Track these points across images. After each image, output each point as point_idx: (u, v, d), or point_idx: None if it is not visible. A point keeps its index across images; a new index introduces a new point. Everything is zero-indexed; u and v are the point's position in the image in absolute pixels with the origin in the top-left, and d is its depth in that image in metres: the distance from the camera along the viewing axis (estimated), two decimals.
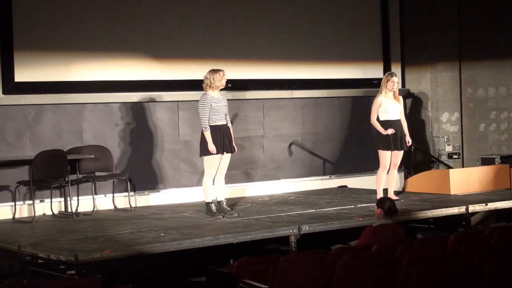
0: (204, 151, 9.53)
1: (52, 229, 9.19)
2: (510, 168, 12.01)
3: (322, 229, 8.98)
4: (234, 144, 9.74)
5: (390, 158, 10.60)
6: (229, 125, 9.72)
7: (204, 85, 9.61)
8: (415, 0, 13.97)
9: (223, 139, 9.57)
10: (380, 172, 10.66)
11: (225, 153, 9.61)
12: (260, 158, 12.25)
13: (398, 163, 10.74)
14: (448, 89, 13.91)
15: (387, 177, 10.70)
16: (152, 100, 11.34)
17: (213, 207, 9.64)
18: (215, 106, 9.51)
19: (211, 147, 9.43)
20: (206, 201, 9.68)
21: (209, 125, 9.47)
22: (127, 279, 6.50)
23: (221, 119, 9.57)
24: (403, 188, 12.28)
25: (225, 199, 9.87)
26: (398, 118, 10.65)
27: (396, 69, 13.69)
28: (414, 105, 14.06)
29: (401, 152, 10.69)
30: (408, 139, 10.71)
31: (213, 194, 9.76)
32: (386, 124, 10.56)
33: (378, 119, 10.58)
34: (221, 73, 9.59)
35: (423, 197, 10.99)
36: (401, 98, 10.79)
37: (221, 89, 9.70)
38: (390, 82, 10.56)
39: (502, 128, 14.03)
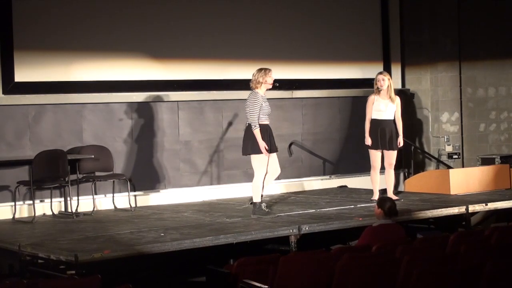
0: (254, 149, 9.46)
1: (52, 229, 9.19)
2: (510, 168, 12.02)
3: (322, 229, 8.98)
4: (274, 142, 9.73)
5: (379, 158, 10.66)
6: (268, 124, 9.69)
7: (252, 84, 9.60)
8: (415, 0, 13.97)
9: (269, 138, 9.56)
10: (371, 171, 10.74)
11: (272, 152, 9.59)
12: None
13: (393, 162, 10.71)
14: (448, 89, 13.91)
15: (383, 177, 10.73)
16: (153, 100, 11.33)
17: (264, 206, 9.60)
18: (264, 105, 9.52)
19: (263, 144, 9.40)
20: (256, 200, 9.58)
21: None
22: (127, 279, 6.50)
23: (267, 119, 9.59)
24: (397, 187, 12.30)
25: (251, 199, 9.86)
26: (390, 118, 10.62)
27: (396, 69, 13.70)
28: (414, 105, 14.06)
29: (393, 152, 10.66)
30: (400, 141, 10.64)
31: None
32: (375, 123, 10.59)
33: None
34: (269, 72, 9.58)
35: (423, 197, 10.99)
36: (397, 98, 10.69)
37: (268, 89, 9.70)
38: (377, 80, 10.59)
39: (502, 128, 14.03)
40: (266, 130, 9.53)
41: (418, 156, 13.82)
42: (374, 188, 10.75)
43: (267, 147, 9.42)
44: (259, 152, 9.43)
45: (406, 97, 13.94)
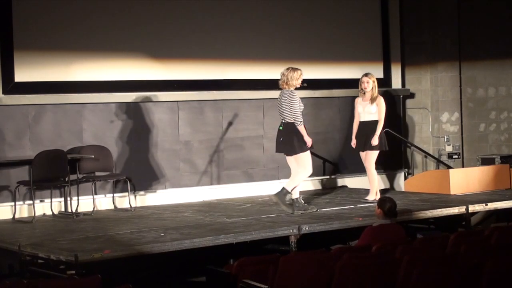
0: (303, 147, 9.59)
1: (52, 229, 9.19)
2: (510, 168, 12.02)
3: (322, 229, 8.98)
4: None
5: (363, 159, 10.77)
6: None
7: (282, 83, 9.71)
8: (415, 0, 13.97)
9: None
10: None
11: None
12: (260, 158, 12.25)
13: (366, 164, 10.69)
14: (448, 89, 13.91)
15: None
16: (152, 100, 11.33)
17: (302, 200, 9.83)
18: (300, 103, 9.68)
19: (308, 139, 9.55)
20: (295, 197, 9.75)
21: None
22: (127, 279, 6.50)
23: (302, 116, 9.71)
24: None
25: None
26: (369, 120, 10.59)
27: (396, 69, 13.69)
28: (414, 105, 14.06)
29: (368, 153, 10.61)
30: (372, 142, 10.51)
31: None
32: (359, 125, 10.72)
33: None
34: (299, 72, 9.73)
35: (423, 197, 10.99)
36: (378, 99, 10.57)
37: (297, 88, 9.80)
38: (361, 82, 10.64)
39: (502, 128, 14.03)
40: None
41: (418, 156, 13.83)
42: (372, 189, 10.79)
43: (311, 142, 9.61)
44: (306, 149, 9.60)
45: (406, 97, 13.96)
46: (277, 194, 9.68)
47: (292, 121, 9.57)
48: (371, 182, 10.75)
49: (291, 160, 9.81)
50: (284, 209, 9.66)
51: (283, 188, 9.67)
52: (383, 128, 10.71)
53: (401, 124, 13.71)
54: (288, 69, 9.73)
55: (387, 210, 7.71)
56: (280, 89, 9.83)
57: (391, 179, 13.34)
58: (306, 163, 9.65)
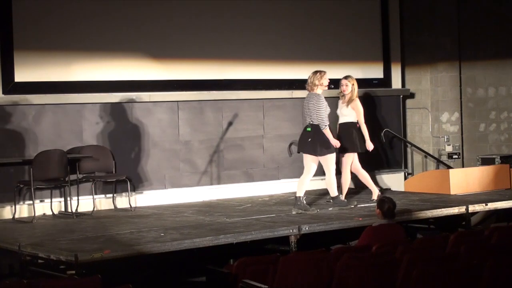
0: (329, 149, 9.88)
1: (52, 229, 9.19)
2: (510, 168, 12.02)
3: (322, 229, 8.98)
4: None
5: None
6: None
7: (308, 86, 9.99)
8: (415, 0, 13.97)
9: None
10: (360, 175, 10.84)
11: None
12: (260, 158, 12.25)
13: (341, 166, 10.61)
14: (448, 89, 13.91)
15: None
16: (152, 100, 11.33)
17: (342, 197, 10.25)
18: (326, 106, 9.94)
19: (335, 141, 9.86)
20: (334, 195, 10.18)
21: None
22: (127, 279, 6.50)
23: (328, 120, 9.98)
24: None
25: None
26: (344, 122, 10.53)
27: (396, 69, 13.69)
28: (414, 105, 14.06)
29: (344, 155, 10.52)
30: (367, 148, 10.52)
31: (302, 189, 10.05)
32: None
33: None
34: (324, 74, 9.98)
35: (423, 197, 10.99)
36: (355, 102, 10.44)
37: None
38: (340, 85, 10.58)
39: (502, 128, 14.03)
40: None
41: (418, 156, 13.83)
42: (371, 188, 10.77)
43: (338, 144, 9.88)
44: (332, 151, 9.90)
45: (406, 97, 13.96)
46: (295, 206, 9.91)
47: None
48: (367, 181, 10.73)
49: (308, 159, 10.04)
50: (310, 212, 9.81)
51: (297, 197, 9.95)
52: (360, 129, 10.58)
53: (401, 124, 13.71)
54: (313, 72, 10.02)
55: (386, 210, 7.71)
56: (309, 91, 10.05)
57: (391, 179, 13.33)
58: (330, 163, 9.98)
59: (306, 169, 10.07)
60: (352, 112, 10.49)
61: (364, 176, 10.74)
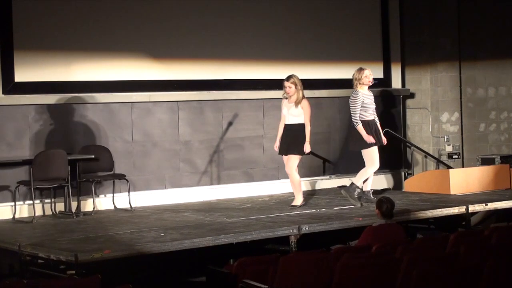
0: (363, 144, 10.27)
1: (52, 229, 9.19)
2: (510, 168, 12.01)
3: (322, 229, 8.98)
4: (383, 136, 10.61)
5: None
6: (376, 119, 10.54)
7: (353, 83, 10.43)
8: (415, 0, 13.97)
9: (374, 132, 10.38)
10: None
11: (376, 145, 10.40)
12: (260, 158, 12.25)
13: (287, 169, 10.27)
14: (448, 89, 13.91)
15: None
16: (152, 100, 11.33)
17: (357, 192, 10.35)
18: (366, 102, 10.32)
19: (367, 138, 10.22)
20: (356, 183, 10.38)
21: (360, 120, 10.27)
22: (127, 279, 6.50)
23: (370, 115, 10.42)
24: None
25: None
26: (293, 123, 10.20)
27: (396, 69, 13.70)
28: (414, 105, 14.06)
29: (290, 157, 10.19)
30: (304, 150, 10.16)
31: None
32: (283, 128, 10.36)
33: None
34: (366, 71, 10.41)
35: (423, 197, 10.98)
36: (304, 102, 10.14)
37: (370, 87, 10.53)
38: (283, 87, 10.24)
39: (502, 128, 14.03)
40: (368, 125, 10.33)
41: (418, 156, 13.83)
42: (296, 194, 10.40)
43: (372, 139, 10.23)
44: (367, 146, 10.24)
45: (406, 97, 13.96)
46: (346, 189, 10.42)
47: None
48: (295, 187, 10.33)
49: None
50: (353, 202, 10.23)
51: (352, 183, 10.39)
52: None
53: (401, 124, 13.71)
54: (357, 69, 10.46)
55: (384, 211, 7.72)
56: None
57: (391, 179, 13.34)
58: (368, 158, 10.33)
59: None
60: (302, 113, 10.17)
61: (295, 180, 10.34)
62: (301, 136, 10.18)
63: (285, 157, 10.37)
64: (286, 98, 10.32)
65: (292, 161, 10.23)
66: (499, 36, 13.77)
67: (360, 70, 10.43)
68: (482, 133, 14.02)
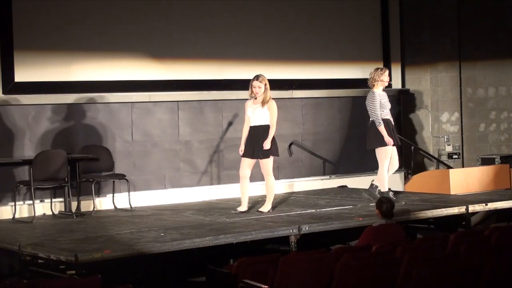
0: (379, 143, 10.34)
1: (52, 229, 9.19)
2: (510, 168, 12.01)
3: (322, 229, 8.98)
4: (397, 136, 10.71)
5: (246, 166, 9.89)
6: (391, 119, 10.59)
7: (369, 83, 10.48)
8: (415, 0, 13.97)
9: (391, 132, 10.47)
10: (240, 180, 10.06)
11: (393, 145, 10.48)
12: None
13: (265, 170, 9.89)
14: (448, 89, 13.91)
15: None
16: (152, 100, 11.33)
17: (391, 195, 10.32)
18: (383, 102, 10.41)
19: (388, 139, 10.30)
20: (383, 190, 10.42)
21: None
22: (127, 279, 6.50)
23: (387, 114, 10.49)
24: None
25: None
26: (259, 124, 9.82)
27: (396, 69, 13.70)
28: (414, 105, 14.06)
29: (262, 162, 9.84)
30: (264, 146, 9.74)
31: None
32: (249, 130, 9.99)
33: None
34: (383, 71, 10.49)
35: (423, 197, 10.98)
36: (271, 103, 9.81)
37: (386, 87, 10.63)
38: (252, 87, 9.85)
39: (502, 128, 14.03)
40: (386, 124, 10.37)
41: (418, 156, 13.82)
42: (242, 198, 10.00)
43: (391, 142, 10.32)
44: (383, 144, 10.30)
45: (406, 97, 13.96)
46: (368, 190, 10.57)
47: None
48: (269, 192, 9.98)
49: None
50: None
51: (372, 183, 10.53)
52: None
53: (401, 124, 13.71)
54: (375, 69, 10.57)
55: (384, 211, 7.72)
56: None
57: (391, 179, 13.32)
58: (382, 157, 10.38)
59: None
60: (267, 114, 9.83)
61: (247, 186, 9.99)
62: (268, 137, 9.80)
63: (251, 160, 9.87)
64: (256, 98, 9.89)
65: (267, 165, 9.85)
66: (499, 36, 13.77)
67: (382, 70, 10.53)
68: (482, 133, 14.03)
